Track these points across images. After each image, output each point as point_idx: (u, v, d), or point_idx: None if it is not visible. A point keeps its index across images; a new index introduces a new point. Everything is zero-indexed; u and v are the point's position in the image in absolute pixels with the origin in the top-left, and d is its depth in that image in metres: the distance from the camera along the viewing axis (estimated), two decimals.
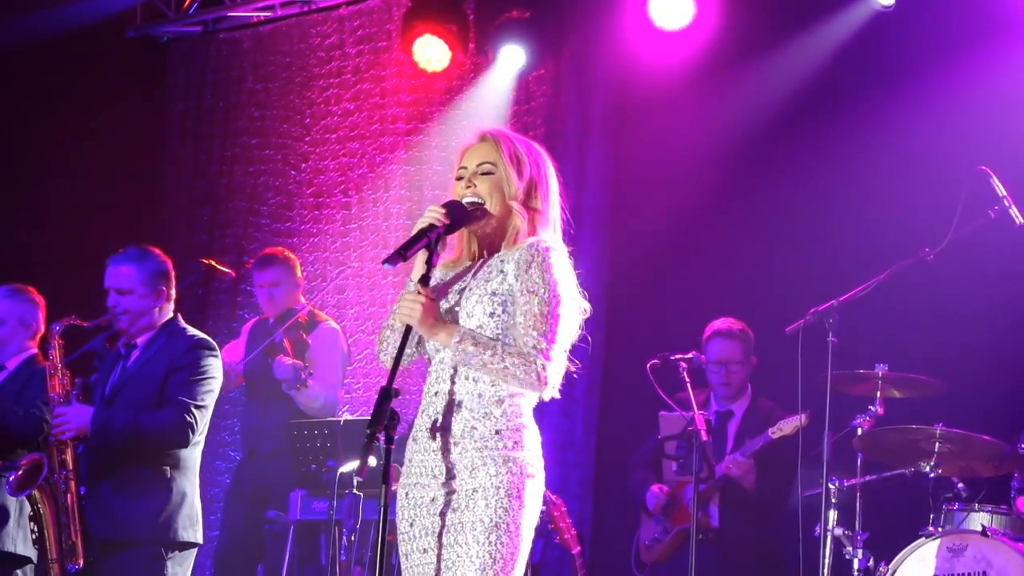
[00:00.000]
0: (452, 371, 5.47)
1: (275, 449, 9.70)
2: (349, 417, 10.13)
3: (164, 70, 13.00)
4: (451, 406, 5.44)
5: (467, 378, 5.44)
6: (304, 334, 9.74)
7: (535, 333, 5.32)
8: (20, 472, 7.40)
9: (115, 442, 7.30)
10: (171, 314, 7.70)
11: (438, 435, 5.42)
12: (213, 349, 7.69)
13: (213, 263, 10.95)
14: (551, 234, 5.56)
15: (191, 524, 7.47)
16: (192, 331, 7.73)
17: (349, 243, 11.94)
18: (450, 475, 5.39)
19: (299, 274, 10.12)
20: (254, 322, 10.30)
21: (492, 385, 5.40)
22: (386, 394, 5.19)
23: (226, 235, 12.46)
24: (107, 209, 12.67)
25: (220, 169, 12.66)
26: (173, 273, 7.75)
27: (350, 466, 8.65)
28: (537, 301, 5.35)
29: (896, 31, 9.98)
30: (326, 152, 12.14)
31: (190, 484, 7.52)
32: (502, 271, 5.42)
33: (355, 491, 8.72)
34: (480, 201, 5.49)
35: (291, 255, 10.21)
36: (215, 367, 7.63)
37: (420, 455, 5.46)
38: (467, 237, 5.62)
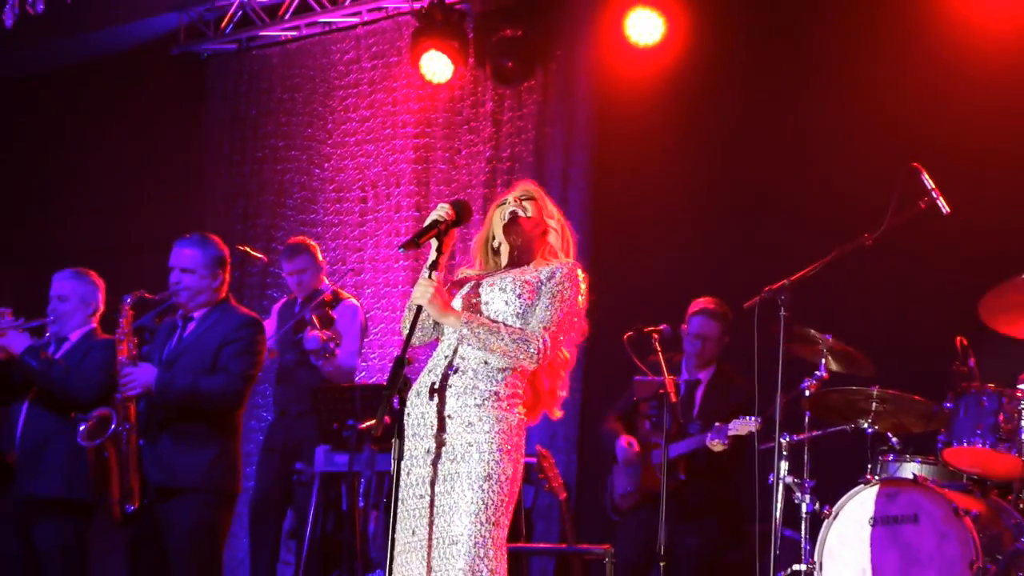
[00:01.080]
0: (444, 349, 5.61)
1: (301, 410, 9.74)
2: (366, 383, 10.21)
3: (204, 82, 13.03)
4: (456, 368, 5.53)
5: (484, 362, 5.55)
6: (330, 310, 9.79)
7: (544, 320, 5.58)
8: (90, 423, 7.47)
9: (174, 401, 7.36)
10: (225, 294, 7.75)
11: (440, 392, 5.51)
12: (261, 327, 7.76)
13: (247, 249, 11.00)
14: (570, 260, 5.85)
15: (233, 475, 7.52)
16: (243, 310, 7.80)
17: (365, 232, 12.00)
18: (446, 428, 5.48)
19: (321, 258, 10.17)
20: (283, 302, 10.35)
21: (502, 372, 5.53)
22: (400, 363, 5.30)
23: (257, 225, 12.50)
24: (154, 202, 12.71)
25: (252, 168, 12.69)
26: (229, 259, 7.81)
27: (367, 424, 8.71)
28: (557, 303, 5.62)
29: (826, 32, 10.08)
30: (345, 153, 12.20)
31: (233, 441, 7.57)
32: (535, 275, 5.67)
33: (372, 446, 8.76)
34: (523, 213, 5.80)
35: (313, 243, 10.26)
36: (261, 343, 7.70)
37: (420, 408, 5.55)
38: (492, 256, 5.89)
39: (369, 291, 11.79)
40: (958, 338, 7.93)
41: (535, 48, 11.24)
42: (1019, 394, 7.56)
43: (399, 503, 5.52)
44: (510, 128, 11.39)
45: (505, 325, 5.53)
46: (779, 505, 8.18)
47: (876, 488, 7.69)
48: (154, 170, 12.84)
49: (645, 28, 10.62)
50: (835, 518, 7.75)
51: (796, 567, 8.03)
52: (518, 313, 5.61)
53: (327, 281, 10.24)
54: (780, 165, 10.12)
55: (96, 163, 13.07)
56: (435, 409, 5.51)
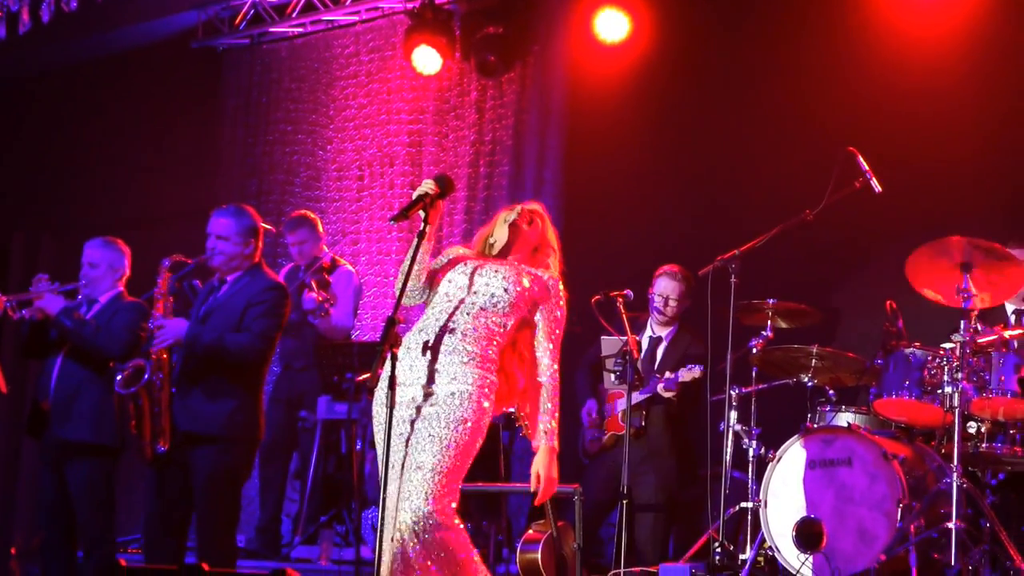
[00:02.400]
0: (457, 306, 5.54)
1: (305, 364, 9.71)
2: (363, 340, 10.17)
3: (220, 73, 12.96)
4: (448, 329, 5.50)
5: (468, 314, 5.51)
6: (327, 275, 9.76)
7: (548, 357, 5.76)
8: (126, 373, 7.42)
9: (202, 353, 7.29)
10: (258, 260, 7.67)
11: (433, 349, 5.48)
12: (285, 292, 7.67)
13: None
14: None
15: (253, 424, 7.45)
16: (271, 275, 7.72)
17: (362, 207, 11.98)
18: (432, 380, 5.46)
19: (321, 230, 10.13)
20: (288, 268, 10.29)
21: (489, 327, 5.50)
22: (391, 322, 5.27)
23: (269, 200, 12.44)
24: (176, 180, 12.65)
25: (263, 150, 12.63)
26: (262, 230, 7.74)
27: (364, 377, 8.67)
28: (552, 328, 5.79)
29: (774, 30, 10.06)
30: (345, 137, 12.16)
31: (255, 393, 7.49)
32: (531, 279, 5.77)
33: (368, 396, 8.73)
34: (525, 225, 5.90)
35: (313, 216, 10.23)
36: (284, 306, 7.59)
37: (410, 361, 5.52)
38: (483, 245, 5.94)
39: (364, 259, 11.77)
40: (888, 302, 7.91)
41: (514, 44, 11.25)
42: (942, 352, 7.55)
43: (380, 444, 5.50)
44: (492, 115, 11.40)
45: (545, 402, 5.71)
46: (729, 450, 8.18)
47: (815, 435, 7.68)
48: (176, 152, 12.78)
49: (612, 26, 10.61)
50: (778, 461, 7.74)
51: (744, 505, 8.04)
52: (510, 302, 5.65)
53: (326, 250, 10.20)
54: (733, 149, 10.10)
55: (125, 145, 13.01)
56: (426, 363, 5.48)
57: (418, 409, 5.48)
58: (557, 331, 5.79)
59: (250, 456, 7.53)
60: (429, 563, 5.35)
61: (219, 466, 7.27)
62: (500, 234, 5.91)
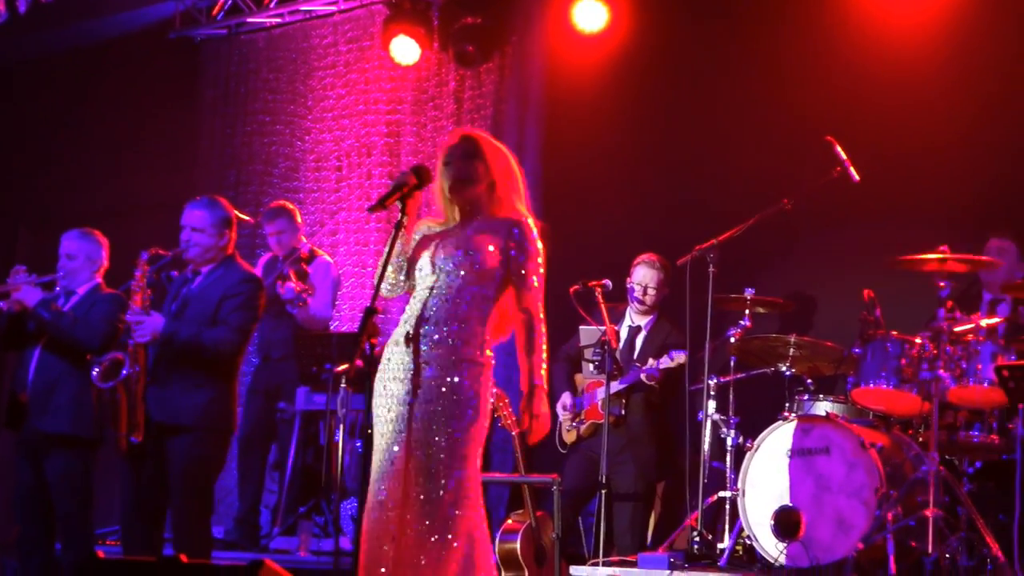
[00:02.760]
0: (430, 293, 5.49)
1: (283, 355, 9.69)
2: (341, 331, 10.16)
3: (198, 64, 12.93)
4: (427, 319, 5.46)
5: (443, 299, 5.46)
6: (305, 266, 9.74)
7: (530, 295, 5.57)
8: (103, 366, 7.39)
9: (179, 348, 7.28)
10: (231, 251, 7.65)
11: (418, 340, 5.44)
12: (260, 284, 7.65)
13: (236, 212, 10.91)
14: (521, 207, 5.64)
15: (228, 415, 7.44)
16: (245, 267, 7.70)
17: (341, 197, 11.96)
18: (420, 373, 5.42)
19: (299, 220, 10.11)
20: (267, 257, 10.27)
21: (469, 306, 5.44)
22: (370, 312, 5.22)
23: (248, 191, 12.42)
24: (154, 171, 12.61)
25: (242, 140, 12.61)
26: (236, 221, 7.72)
27: (342, 368, 8.66)
28: (528, 268, 5.56)
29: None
30: (323, 127, 12.14)
31: (230, 384, 7.48)
32: (494, 232, 5.55)
33: (346, 387, 8.71)
34: (466, 179, 5.55)
35: (292, 206, 10.21)
36: (259, 298, 7.57)
37: (400, 355, 5.48)
38: (449, 207, 5.66)
39: (343, 249, 11.76)
40: (866, 291, 7.93)
41: (493, 34, 11.21)
42: (919, 341, 7.56)
43: (377, 437, 5.47)
44: (470, 105, 11.40)
45: (531, 345, 5.58)
46: (707, 439, 8.21)
47: (793, 424, 7.70)
48: (154, 142, 12.74)
49: (590, 16, 10.58)
50: (757, 451, 7.75)
51: (722, 494, 8.06)
52: (480, 272, 5.51)
53: (304, 240, 10.18)
54: (711, 138, 10.09)
55: (103, 136, 12.95)
56: (411, 356, 5.45)
57: (410, 406, 5.43)
58: (534, 277, 5.61)
59: (224, 447, 7.52)
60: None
61: (194, 457, 7.26)
62: (442, 204, 5.74)
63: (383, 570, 5.32)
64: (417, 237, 5.72)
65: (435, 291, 5.52)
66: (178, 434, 7.24)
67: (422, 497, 5.35)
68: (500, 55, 11.34)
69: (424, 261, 5.59)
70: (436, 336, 5.47)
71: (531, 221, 5.69)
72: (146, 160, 12.68)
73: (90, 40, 13.08)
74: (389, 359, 5.52)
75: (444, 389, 5.42)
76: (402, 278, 5.65)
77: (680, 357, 8.37)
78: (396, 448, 5.41)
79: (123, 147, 12.85)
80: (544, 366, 5.61)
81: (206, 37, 12.90)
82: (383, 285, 5.64)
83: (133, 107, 12.75)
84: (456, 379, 5.43)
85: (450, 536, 5.34)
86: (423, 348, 5.45)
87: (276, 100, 12.45)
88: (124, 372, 7.28)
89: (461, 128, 5.89)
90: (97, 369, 7.39)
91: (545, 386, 5.58)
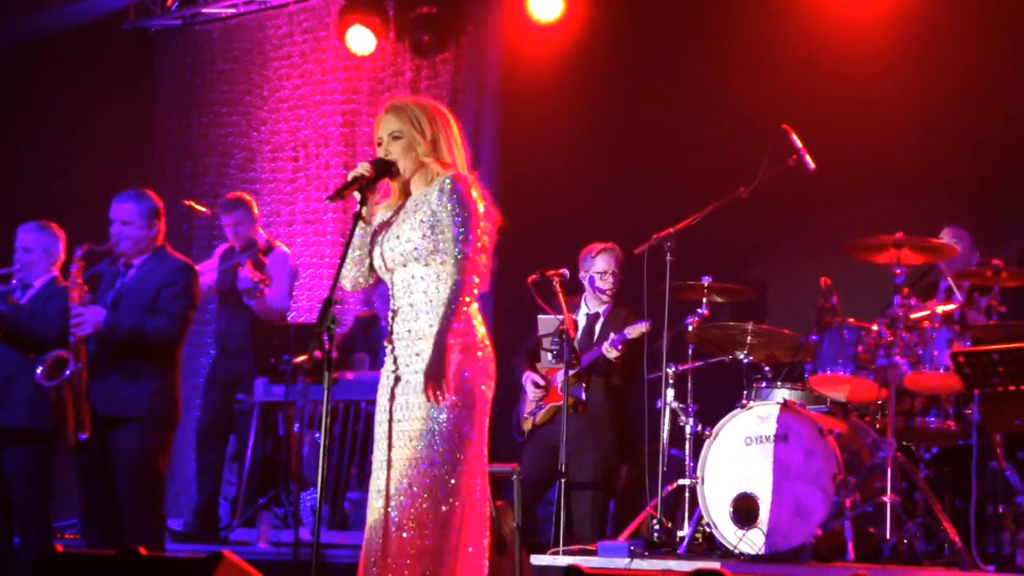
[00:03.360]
0: (408, 287, 5.43)
1: (241, 347, 9.65)
2: (299, 322, 10.13)
3: (152, 55, 12.89)
4: (399, 313, 5.40)
5: (406, 291, 5.40)
6: (263, 256, 9.70)
7: (458, 247, 5.27)
8: (47, 364, 7.35)
9: (120, 340, 7.24)
10: (161, 242, 7.64)
11: (409, 333, 5.37)
12: (194, 271, 7.65)
13: (192, 204, 10.89)
14: (459, 169, 5.53)
15: (172, 405, 7.43)
16: (178, 256, 7.69)
17: (297, 187, 11.96)
18: (398, 364, 5.38)
19: (256, 211, 10.07)
20: (224, 248, 10.23)
21: (439, 292, 5.35)
22: (328, 303, 5.17)
23: (204, 183, 12.39)
24: (110, 163, 12.51)
25: (198, 131, 12.57)
26: (163, 211, 7.70)
27: (301, 359, 8.64)
28: (458, 220, 5.30)
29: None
30: (279, 117, 12.12)
31: (172, 374, 7.47)
32: (427, 202, 5.36)
33: (305, 378, 8.70)
34: (395, 161, 5.48)
35: (249, 198, 10.16)
36: (195, 286, 7.58)
37: (396, 351, 5.41)
38: (397, 185, 5.57)
39: (300, 240, 11.74)
40: (823, 279, 7.95)
41: (448, 24, 11.25)
42: (875, 328, 7.60)
43: (378, 426, 5.43)
44: (427, 95, 11.25)
45: (444, 306, 5.26)
46: (666, 427, 8.21)
47: (751, 411, 7.71)
48: (109, 134, 12.64)
49: (546, 6, 10.59)
50: (715, 438, 7.76)
51: (681, 482, 8.06)
52: (431, 250, 5.34)
53: (262, 231, 10.14)
54: (667, 128, 10.11)
55: (57, 128, 12.85)
56: (411, 347, 5.38)
57: (415, 392, 5.34)
58: (464, 229, 5.29)
59: (171, 437, 7.51)
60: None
61: (140, 448, 7.27)
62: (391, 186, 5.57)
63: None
64: (371, 229, 5.65)
65: (397, 285, 5.46)
66: (124, 426, 7.25)
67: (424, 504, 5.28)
68: (456, 45, 11.35)
69: (376, 255, 5.51)
70: (419, 331, 5.35)
71: (459, 178, 5.40)
72: (101, 152, 12.58)
73: (44, 31, 12.99)
74: (389, 353, 5.48)
75: (419, 374, 5.38)
76: (364, 270, 5.57)
77: (642, 327, 8.36)
78: (383, 441, 5.39)
79: (78, 139, 12.74)
80: (448, 326, 5.27)
81: (161, 28, 12.85)
82: (346, 281, 5.59)
83: (87, 99, 12.66)
84: (456, 365, 5.31)
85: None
86: (410, 344, 5.39)
87: (232, 91, 12.41)
88: (68, 370, 7.25)
89: (388, 99, 5.71)
90: (40, 368, 7.35)
91: (447, 344, 5.21)
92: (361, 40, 11.29)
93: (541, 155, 10.52)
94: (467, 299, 5.30)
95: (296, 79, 12.07)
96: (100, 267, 8.14)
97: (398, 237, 5.40)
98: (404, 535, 5.21)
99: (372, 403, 8.87)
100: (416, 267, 5.39)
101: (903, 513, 7.28)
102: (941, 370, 7.38)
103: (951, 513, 7.50)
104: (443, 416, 5.26)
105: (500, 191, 10.28)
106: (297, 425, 9.14)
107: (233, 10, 12.50)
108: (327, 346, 5.16)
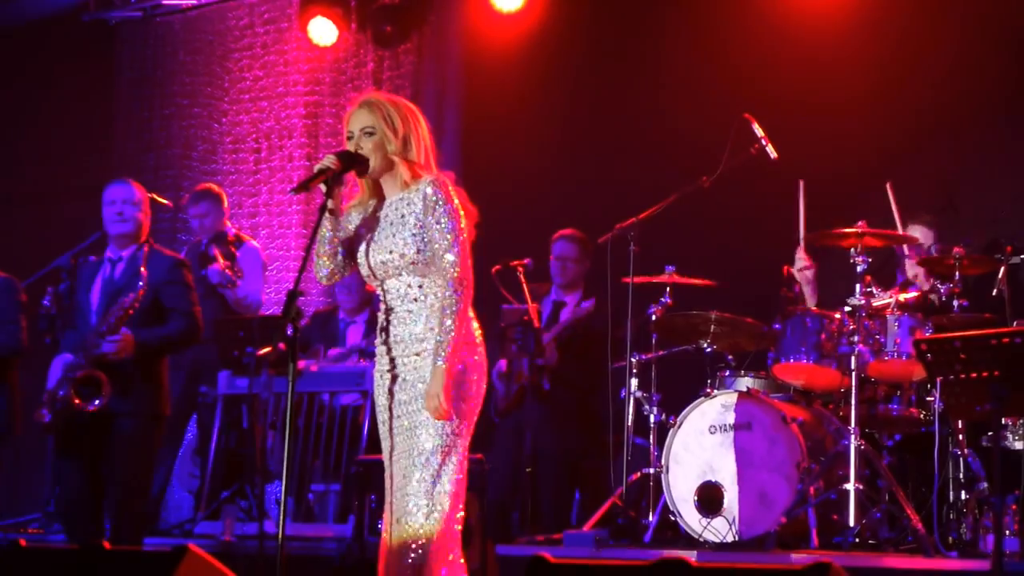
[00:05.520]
0: (404, 293, 5.39)
1: (205, 336, 9.60)
2: (263, 314, 10.09)
3: (113, 47, 12.80)
4: (414, 316, 5.36)
5: (420, 299, 5.37)
6: (233, 249, 9.67)
7: (450, 256, 5.28)
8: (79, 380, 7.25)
9: (155, 352, 7.29)
10: (146, 236, 7.56)
11: (410, 336, 5.35)
12: (190, 265, 7.69)
13: (154, 196, 10.81)
14: (431, 171, 5.50)
15: (165, 399, 7.48)
16: (169, 251, 7.67)
17: (260, 179, 11.90)
18: (396, 364, 5.36)
19: (225, 204, 10.01)
20: (190, 244, 10.21)
21: (437, 297, 5.33)
22: (292, 295, 5.15)
23: (167, 176, 12.31)
24: (70, 156, 12.48)
25: (159, 123, 12.49)
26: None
27: (264, 351, 8.61)
28: (446, 231, 5.31)
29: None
30: (241, 109, 12.06)
31: (165, 369, 7.50)
32: (412, 212, 5.35)
33: (269, 371, 8.67)
34: (367, 158, 5.46)
35: (218, 190, 10.10)
36: (191, 279, 7.60)
37: (393, 352, 5.40)
38: (366, 182, 5.53)
39: (264, 232, 11.69)
40: (785, 267, 7.98)
41: (411, 14, 11.23)
42: (838, 316, 7.63)
43: (381, 425, 5.44)
44: (389, 86, 11.35)
45: (440, 324, 5.26)
46: (630, 416, 8.22)
47: (714, 400, 7.74)
48: (69, 127, 12.58)
49: None
50: (679, 427, 7.79)
51: (646, 470, 8.08)
52: (424, 263, 5.33)
53: (229, 224, 10.10)
54: (630, 117, 10.13)
55: (16, 121, 12.78)
56: (386, 346, 5.40)
57: (391, 394, 5.37)
58: (450, 236, 5.31)
59: (162, 429, 7.57)
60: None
61: (133, 441, 7.29)
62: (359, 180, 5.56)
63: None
64: (350, 226, 5.61)
65: (388, 291, 5.43)
66: (118, 419, 7.24)
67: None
68: (418, 35, 11.34)
69: (360, 258, 5.48)
70: (401, 323, 5.39)
71: (441, 183, 5.43)
72: (61, 145, 12.53)
73: (2, 23, 12.91)
74: (382, 354, 5.48)
75: (418, 372, 5.38)
76: (338, 263, 5.53)
77: (588, 306, 8.42)
78: (386, 437, 5.46)
79: (38, 132, 12.69)
80: (450, 345, 5.29)
81: (121, 19, 12.75)
82: (322, 276, 5.57)
83: (47, 91, 12.60)
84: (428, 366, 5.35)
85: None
86: (418, 339, 5.38)
87: (193, 83, 12.35)
88: (101, 397, 7.17)
89: (361, 95, 5.68)
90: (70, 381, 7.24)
91: (448, 366, 5.23)
92: (323, 31, 11.26)
93: (504, 145, 10.51)
94: (462, 307, 5.32)
95: (258, 70, 12.02)
96: (60, 260, 8.09)
97: (390, 252, 5.37)
98: (409, 522, 5.27)
99: (336, 394, 8.99)
100: (409, 277, 5.38)
101: (866, 500, 7.32)
102: (903, 357, 7.43)
103: (914, 500, 7.55)
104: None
105: (463, 182, 10.17)
106: (262, 418, 9.11)
107: (194, 1, 12.42)
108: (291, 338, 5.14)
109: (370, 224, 5.49)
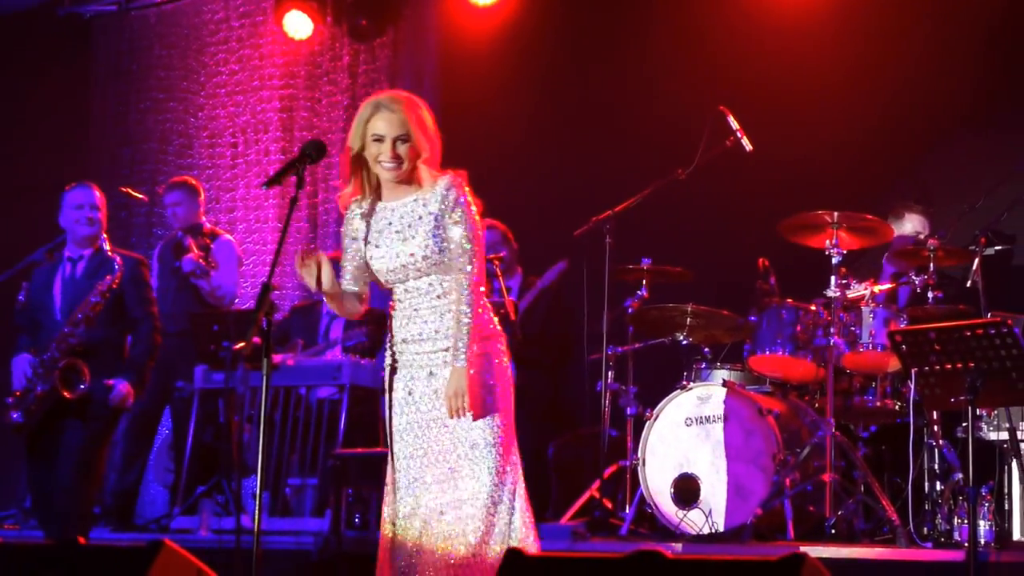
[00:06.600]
0: (425, 292, 5.35)
1: (180, 330, 9.56)
2: (239, 308, 10.07)
3: (89, 41, 12.74)
4: (437, 312, 5.33)
5: (442, 296, 5.33)
6: (208, 241, 9.65)
7: (465, 257, 5.27)
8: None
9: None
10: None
11: (436, 333, 5.31)
12: (148, 264, 7.84)
13: (129, 191, 10.79)
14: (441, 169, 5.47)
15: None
16: (127, 252, 7.72)
17: (237, 174, 11.86)
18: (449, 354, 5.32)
19: (201, 197, 9.98)
20: (166, 238, 10.20)
21: (457, 295, 5.30)
22: (266, 289, 5.13)
23: (143, 170, 12.27)
24: (46, 151, 12.41)
25: (135, 118, 12.43)
26: None
27: (240, 346, 8.58)
28: (463, 230, 5.31)
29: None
30: (217, 103, 12.01)
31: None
32: (429, 211, 5.33)
33: (245, 365, 8.64)
34: (398, 164, 5.37)
35: (194, 181, 10.07)
36: (149, 277, 7.73)
37: (413, 355, 5.37)
38: (365, 178, 5.48)
39: (241, 227, 11.67)
40: (760, 259, 7.98)
41: (386, 8, 11.25)
42: (813, 308, 7.64)
43: (398, 416, 5.42)
44: (365, 79, 11.37)
45: (458, 322, 5.24)
46: (607, 409, 8.21)
47: (691, 392, 7.75)
48: (45, 122, 12.51)
49: None
50: (656, 419, 7.80)
51: (622, 463, 8.08)
52: (444, 265, 5.31)
53: (204, 218, 10.07)
54: (605, 110, 10.13)
55: None
56: (412, 344, 5.37)
57: (436, 392, 5.32)
58: (468, 235, 5.32)
59: (116, 426, 7.68)
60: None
61: (87, 436, 7.33)
62: (381, 174, 5.46)
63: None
64: (359, 220, 5.53)
65: (410, 292, 5.41)
66: (73, 416, 7.29)
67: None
68: (394, 29, 11.33)
69: (377, 259, 5.40)
70: (442, 334, 5.37)
71: (460, 181, 5.49)
72: (37, 140, 12.46)
73: None
74: (402, 356, 5.45)
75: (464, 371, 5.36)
76: (350, 294, 5.48)
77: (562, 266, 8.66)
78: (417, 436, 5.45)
79: (12, 127, 12.62)
80: (468, 346, 5.29)
81: (96, 13, 12.69)
82: (347, 312, 5.52)
83: (22, 85, 12.54)
84: (476, 362, 5.30)
85: None
86: (438, 339, 5.38)
87: (169, 77, 12.30)
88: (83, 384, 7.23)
89: (389, 94, 5.54)
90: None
91: (467, 365, 5.23)
92: (298, 25, 11.24)
93: (480, 139, 10.47)
94: (477, 304, 5.29)
95: (233, 64, 11.98)
96: (36, 256, 8.07)
97: (411, 254, 5.34)
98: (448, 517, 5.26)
99: (313, 388, 8.98)
100: (432, 276, 5.35)
101: (842, 491, 7.34)
102: (879, 349, 7.45)
103: (889, 491, 7.57)
104: (484, 376, 5.29)
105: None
106: (237, 412, 9.09)
107: None
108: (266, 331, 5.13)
109: (381, 228, 5.44)
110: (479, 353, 5.27)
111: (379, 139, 5.40)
